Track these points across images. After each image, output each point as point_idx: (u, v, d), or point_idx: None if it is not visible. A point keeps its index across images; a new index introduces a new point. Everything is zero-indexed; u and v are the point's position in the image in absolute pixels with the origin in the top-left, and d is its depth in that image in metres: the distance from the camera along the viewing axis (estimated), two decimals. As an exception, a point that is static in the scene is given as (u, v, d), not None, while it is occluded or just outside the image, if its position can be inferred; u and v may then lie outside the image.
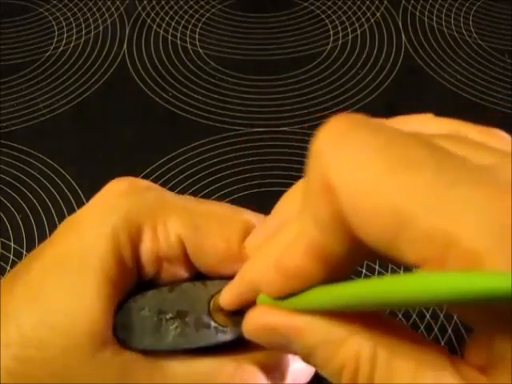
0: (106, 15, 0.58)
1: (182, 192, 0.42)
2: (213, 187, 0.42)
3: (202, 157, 0.44)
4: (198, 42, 0.55)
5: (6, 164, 0.44)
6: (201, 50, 0.54)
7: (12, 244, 0.39)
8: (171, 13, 0.58)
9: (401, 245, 0.13)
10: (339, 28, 0.56)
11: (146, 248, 0.22)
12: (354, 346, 0.15)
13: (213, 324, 0.22)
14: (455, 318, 0.35)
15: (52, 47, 0.55)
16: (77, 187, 0.42)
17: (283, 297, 0.17)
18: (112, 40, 0.55)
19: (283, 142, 0.45)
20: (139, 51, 0.54)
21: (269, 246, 0.18)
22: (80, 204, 0.41)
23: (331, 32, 0.56)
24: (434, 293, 0.12)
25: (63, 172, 0.43)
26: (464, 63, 0.52)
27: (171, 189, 0.42)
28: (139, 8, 0.59)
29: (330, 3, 0.59)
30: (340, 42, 0.55)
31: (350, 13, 0.58)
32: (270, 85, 0.50)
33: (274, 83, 0.51)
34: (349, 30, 0.56)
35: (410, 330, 0.16)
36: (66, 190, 0.42)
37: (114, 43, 0.55)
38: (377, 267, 0.37)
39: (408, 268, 0.14)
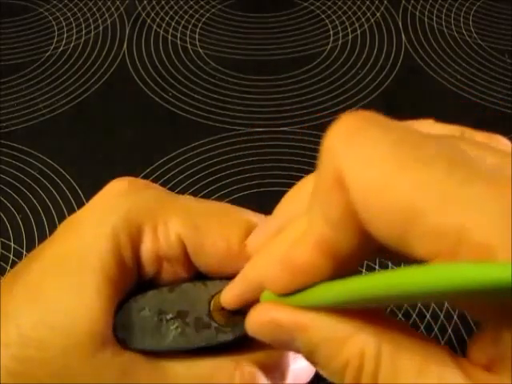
0: (106, 15, 0.58)
1: (182, 192, 0.42)
2: (213, 187, 0.42)
3: (202, 157, 0.44)
4: (198, 42, 0.55)
5: (6, 164, 0.44)
6: (201, 50, 0.54)
7: (12, 244, 0.39)
8: (171, 13, 0.58)
9: (412, 240, 0.14)
10: (339, 28, 0.56)
11: (146, 248, 0.22)
12: (358, 344, 0.15)
13: (213, 324, 0.22)
14: (455, 318, 0.35)
15: (52, 47, 0.55)
16: (77, 187, 0.42)
17: (287, 294, 0.17)
18: (112, 40, 0.55)
19: (283, 142, 0.45)
20: (139, 51, 0.54)
21: (273, 244, 0.19)
22: (80, 204, 0.41)
23: (331, 32, 0.56)
24: (449, 282, 0.12)
25: (63, 172, 0.43)
26: (464, 63, 0.52)
27: (171, 189, 0.42)
28: (139, 8, 0.59)
29: (329, 3, 0.59)
30: (340, 42, 0.55)
31: (349, 13, 0.58)
32: (270, 85, 0.50)
33: (274, 83, 0.51)
34: (349, 30, 0.56)
35: (411, 329, 0.16)
36: (65, 190, 0.42)
37: (114, 43, 0.55)
38: (377, 267, 0.37)
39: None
